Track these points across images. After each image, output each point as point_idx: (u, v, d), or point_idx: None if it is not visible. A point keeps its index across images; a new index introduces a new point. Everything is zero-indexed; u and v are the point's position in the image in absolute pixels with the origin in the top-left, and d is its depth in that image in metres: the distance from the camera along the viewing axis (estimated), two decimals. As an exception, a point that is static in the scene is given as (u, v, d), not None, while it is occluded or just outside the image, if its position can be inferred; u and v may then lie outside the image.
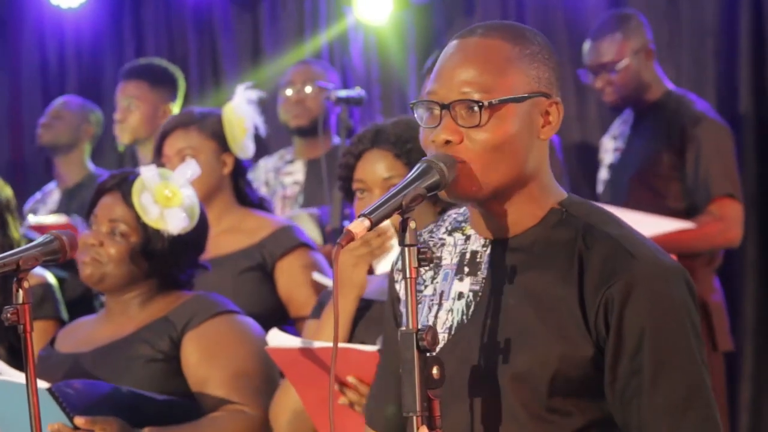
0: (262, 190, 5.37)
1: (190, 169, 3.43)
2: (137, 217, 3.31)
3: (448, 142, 2.14)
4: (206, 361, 3.26)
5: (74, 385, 3.08)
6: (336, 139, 5.17)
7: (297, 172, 5.33)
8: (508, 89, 2.14)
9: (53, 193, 5.80)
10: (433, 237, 2.32)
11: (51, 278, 3.98)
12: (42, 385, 2.94)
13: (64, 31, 7.21)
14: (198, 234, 3.41)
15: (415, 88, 6.30)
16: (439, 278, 2.27)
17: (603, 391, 2.12)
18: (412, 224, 2.05)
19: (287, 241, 4.07)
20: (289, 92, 5.34)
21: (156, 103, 5.42)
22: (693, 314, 2.13)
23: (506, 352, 2.13)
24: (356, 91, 4.76)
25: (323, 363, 2.85)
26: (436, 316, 2.23)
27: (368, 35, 6.49)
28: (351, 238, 2.01)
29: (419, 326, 2.02)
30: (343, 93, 4.72)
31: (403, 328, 2.03)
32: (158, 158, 4.09)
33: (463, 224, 2.29)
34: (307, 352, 2.86)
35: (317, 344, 2.88)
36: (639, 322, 2.09)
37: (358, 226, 2.02)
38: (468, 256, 2.24)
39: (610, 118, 5.30)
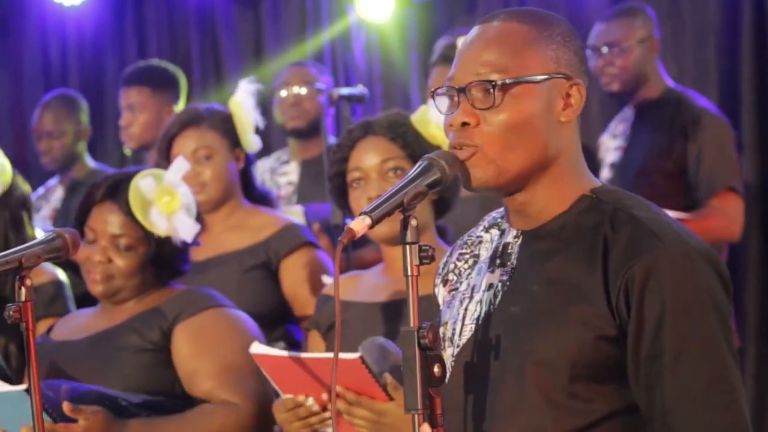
0: None
1: (181, 165, 3.39)
2: (140, 227, 3.29)
3: (465, 124, 2.13)
4: (196, 352, 3.24)
5: (58, 387, 3.07)
6: (331, 140, 5.18)
7: (291, 173, 5.34)
8: (524, 70, 2.13)
9: (56, 190, 5.79)
10: (471, 236, 2.32)
11: (62, 275, 3.97)
12: (20, 387, 2.96)
13: (66, 28, 7.21)
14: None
15: (417, 86, 6.30)
16: (473, 273, 2.26)
17: (628, 378, 2.08)
18: (413, 222, 2.04)
19: (292, 239, 4.07)
20: (283, 93, 5.34)
21: (159, 108, 5.41)
22: (719, 298, 2.07)
23: (528, 338, 2.11)
24: (358, 89, 4.76)
25: (310, 371, 2.85)
26: (466, 309, 2.22)
27: (370, 33, 6.49)
28: (352, 236, 2.00)
29: (421, 324, 2.02)
30: (345, 91, 4.72)
31: (404, 327, 2.03)
32: (165, 161, 4.06)
33: (499, 220, 2.27)
34: (293, 360, 2.86)
35: (303, 354, 2.88)
36: (659, 305, 2.04)
37: (359, 224, 2.01)
38: (501, 248, 2.22)
39: (612, 117, 5.30)
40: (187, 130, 4.07)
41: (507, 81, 2.12)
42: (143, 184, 3.30)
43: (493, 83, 2.11)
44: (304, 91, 5.31)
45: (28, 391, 2.92)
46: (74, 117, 5.74)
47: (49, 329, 3.47)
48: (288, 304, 4.08)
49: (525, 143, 2.12)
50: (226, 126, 4.10)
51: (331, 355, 2.79)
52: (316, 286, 3.99)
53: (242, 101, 4.15)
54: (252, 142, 4.14)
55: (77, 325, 3.41)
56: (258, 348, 2.98)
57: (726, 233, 4.77)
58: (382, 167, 3.14)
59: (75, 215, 3.40)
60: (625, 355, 2.07)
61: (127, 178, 3.34)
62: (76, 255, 3.33)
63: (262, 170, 5.42)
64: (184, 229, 3.31)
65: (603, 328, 2.07)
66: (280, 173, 5.39)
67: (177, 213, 3.31)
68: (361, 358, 2.74)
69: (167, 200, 3.31)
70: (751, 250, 5.39)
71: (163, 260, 3.32)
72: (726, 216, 4.77)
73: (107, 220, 3.31)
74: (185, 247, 3.38)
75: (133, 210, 3.29)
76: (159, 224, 3.29)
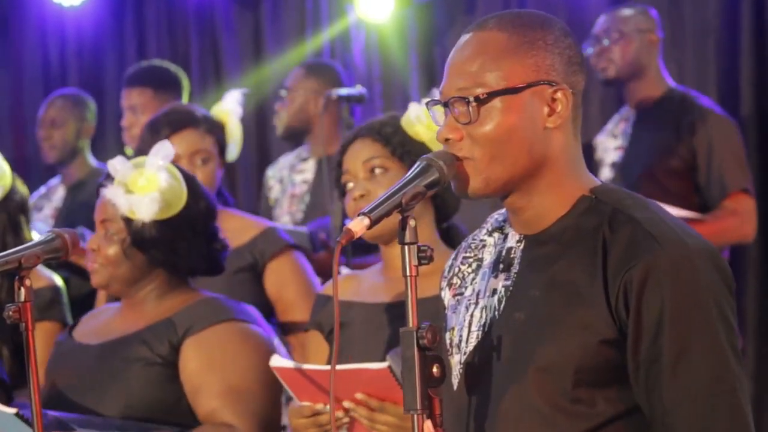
0: (276, 188, 5.40)
1: (164, 150, 3.32)
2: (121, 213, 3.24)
3: (448, 140, 2.14)
4: (203, 369, 3.16)
5: (48, 415, 3.00)
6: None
7: (308, 171, 5.33)
8: (502, 81, 2.12)
9: (58, 189, 5.79)
10: (475, 239, 2.31)
11: (59, 281, 3.96)
12: (9, 410, 2.91)
13: (66, 29, 7.21)
14: (193, 214, 3.29)
15: (417, 86, 6.30)
16: (477, 278, 2.25)
17: (630, 380, 2.07)
18: (411, 222, 2.04)
19: (277, 242, 4.06)
20: (283, 93, 5.34)
21: (161, 109, 5.39)
22: (720, 297, 2.06)
23: (531, 344, 2.10)
24: (357, 90, 4.75)
25: (317, 383, 2.85)
26: (471, 315, 2.21)
27: (370, 33, 6.49)
28: (351, 236, 2.00)
29: (420, 324, 2.02)
30: (344, 91, 4.72)
31: (403, 327, 2.03)
32: None
33: (502, 224, 2.27)
34: (313, 373, 2.86)
35: (322, 367, 2.88)
36: (658, 306, 2.03)
37: (357, 225, 2.02)
38: (504, 253, 2.22)
39: (612, 117, 5.30)
40: (186, 129, 4.05)
41: (481, 97, 2.12)
42: (116, 166, 3.25)
43: (468, 100, 2.12)
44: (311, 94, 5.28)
45: (17, 415, 2.91)
46: (79, 112, 5.75)
47: (73, 326, 3.44)
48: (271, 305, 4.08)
49: (510, 154, 2.12)
50: (218, 132, 4.10)
51: (353, 366, 2.79)
52: (300, 289, 4.00)
53: (233, 111, 4.15)
54: (234, 153, 4.16)
55: (98, 325, 3.36)
56: (278, 361, 2.95)
57: (740, 234, 4.78)
58: (366, 167, 3.16)
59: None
60: (627, 358, 2.07)
61: None
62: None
63: (281, 167, 5.44)
64: (143, 209, 3.21)
65: (604, 332, 2.06)
66: (297, 170, 5.38)
67: (143, 195, 3.22)
68: (389, 367, 2.75)
69: (143, 184, 3.24)
70: (751, 251, 5.39)
71: (146, 246, 3.24)
72: (739, 217, 4.78)
73: (101, 208, 3.28)
74: (180, 235, 3.26)
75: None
76: (120, 204, 3.22)
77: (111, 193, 3.24)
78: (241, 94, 4.23)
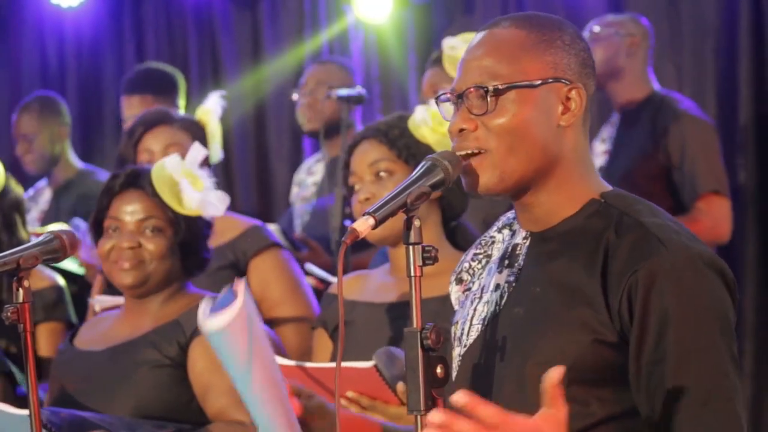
0: (294, 191, 5.43)
1: (198, 151, 3.36)
2: (167, 209, 3.25)
3: (462, 130, 2.15)
4: (211, 368, 3.15)
5: (58, 413, 3.01)
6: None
7: (318, 173, 5.33)
8: (520, 75, 2.15)
9: (44, 191, 5.77)
10: (485, 236, 2.33)
11: (61, 281, 3.95)
12: (22, 412, 2.90)
13: (64, 30, 7.21)
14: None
15: (415, 87, 6.30)
16: (484, 273, 2.27)
17: (626, 382, 2.08)
18: (416, 222, 2.04)
19: (259, 240, 4.06)
20: (295, 96, 5.33)
21: None
22: (722, 305, 2.07)
23: (529, 339, 2.11)
24: (356, 90, 4.75)
25: (321, 380, 2.86)
26: (474, 309, 2.23)
27: (368, 34, 6.49)
28: (355, 236, 2.01)
29: (424, 325, 2.02)
30: (343, 92, 4.71)
31: (407, 328, 2.03)
32: (133, 153, 4.03)
33: (513, 221, 2.29)
34: (304, 370, 2.87)
35: (310, 365, 2.89)
36: (663, 310, 2.04)
37: (362, 225, 2.02)
38: (510, 249, 2.24)
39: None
40: (160, 126, 4.05)
41: (500, 87, 2.14)
42: (169, 163, 3.27)
43: (486, 89, 2.14)
44: (319, 92, 5.26)
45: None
46: (48, 119, 5.69)
47: (72, 335, 3.43)
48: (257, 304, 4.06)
49: (524, 147, 2.14)
50: (195, 130, 4.09)
51: (345, 364, 2.79)
52: (284, 287, 4.00)
53: (213, 111, 4.15)
54: (217, 154, 4.15)
55: (101, 332, 3.36)
56: None
57: (713, 236, 4.77)
58: (372, 169, 3.18)
59: (95, 211, 3.34)
60: (624, 360, 2.08)
61: (146, 168, 3.32)
62: (98, 251, 3.32)
63: (302, 169, 5.45)
64: (216, 202, 3.27)
65: (602, 333, 2.07)
66: (312, 172, 5.39)
67: (206, 191, 3.28)
68: (375, 366, 2.75)
69: (191, 181, 3.28)
70: (748, 250, 5.40)
71: (190, 243, 3.27)
72: (712, 218, 4.78)
73: (132, 207, 3.27)
74: (207, 232, 3.34)
75: (159, 191, 3.25)
76: (192, 198, 3.25)
77: (184, 187, 3.24)
78: (220, 97, 4.23)
